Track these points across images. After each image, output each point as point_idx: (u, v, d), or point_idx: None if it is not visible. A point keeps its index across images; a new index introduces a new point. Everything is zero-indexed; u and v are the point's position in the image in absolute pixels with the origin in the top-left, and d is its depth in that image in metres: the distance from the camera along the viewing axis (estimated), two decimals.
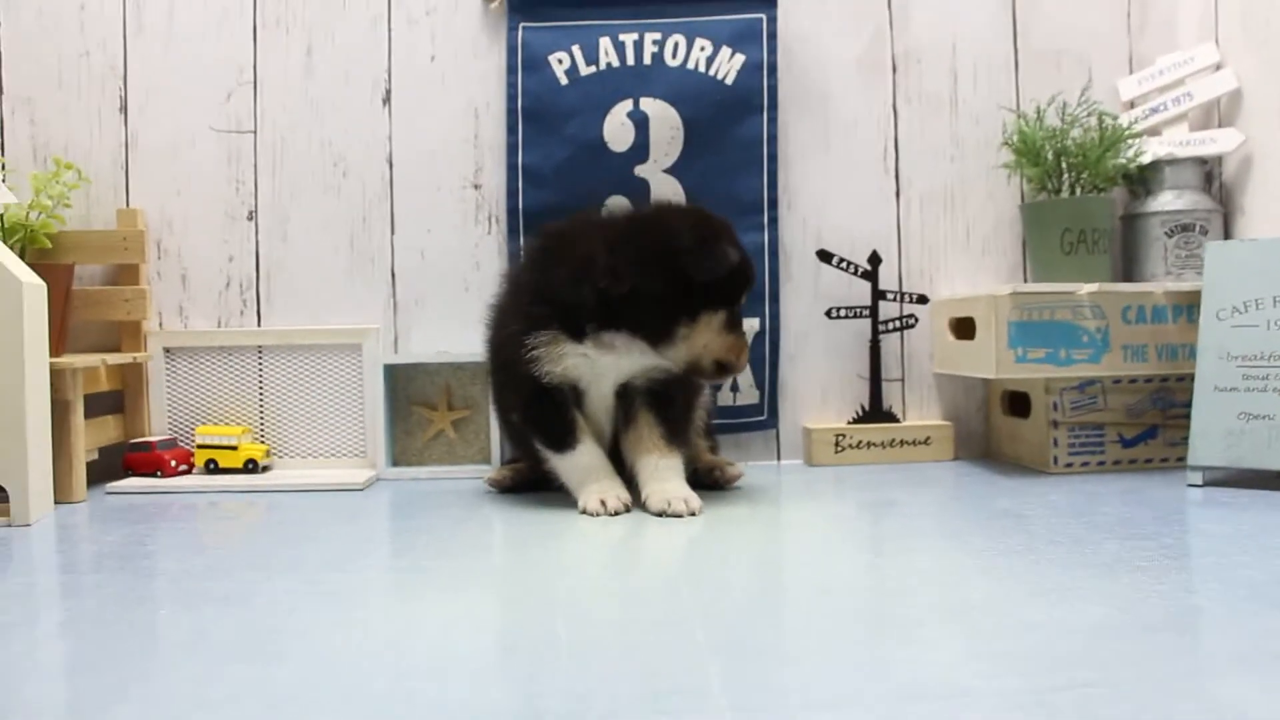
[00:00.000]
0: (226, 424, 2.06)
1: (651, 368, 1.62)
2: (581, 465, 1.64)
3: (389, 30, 2.09)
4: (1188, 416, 1.77)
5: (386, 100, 2.09)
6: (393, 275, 2.10)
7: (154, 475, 1.96)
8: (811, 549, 1.38)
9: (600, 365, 1.61)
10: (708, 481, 1.80)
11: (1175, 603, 1.05)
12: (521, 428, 1.72)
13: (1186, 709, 0.77)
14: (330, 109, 2.09)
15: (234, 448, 1.99)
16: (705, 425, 1.86)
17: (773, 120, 2.07)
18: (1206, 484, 1.72)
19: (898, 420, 2.09)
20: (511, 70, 2.08)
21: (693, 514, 1.56)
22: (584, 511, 1.59)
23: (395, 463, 2.06)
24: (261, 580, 1.22)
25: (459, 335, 2.09)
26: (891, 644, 0.94)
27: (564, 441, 1.64)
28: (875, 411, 2.08)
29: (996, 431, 2.09)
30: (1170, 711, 0.76)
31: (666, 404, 1.65)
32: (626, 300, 1.55)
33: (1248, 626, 0.97)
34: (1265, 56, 1.93)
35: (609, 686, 0.83)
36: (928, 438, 2.04)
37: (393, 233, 2.10)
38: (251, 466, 1.99)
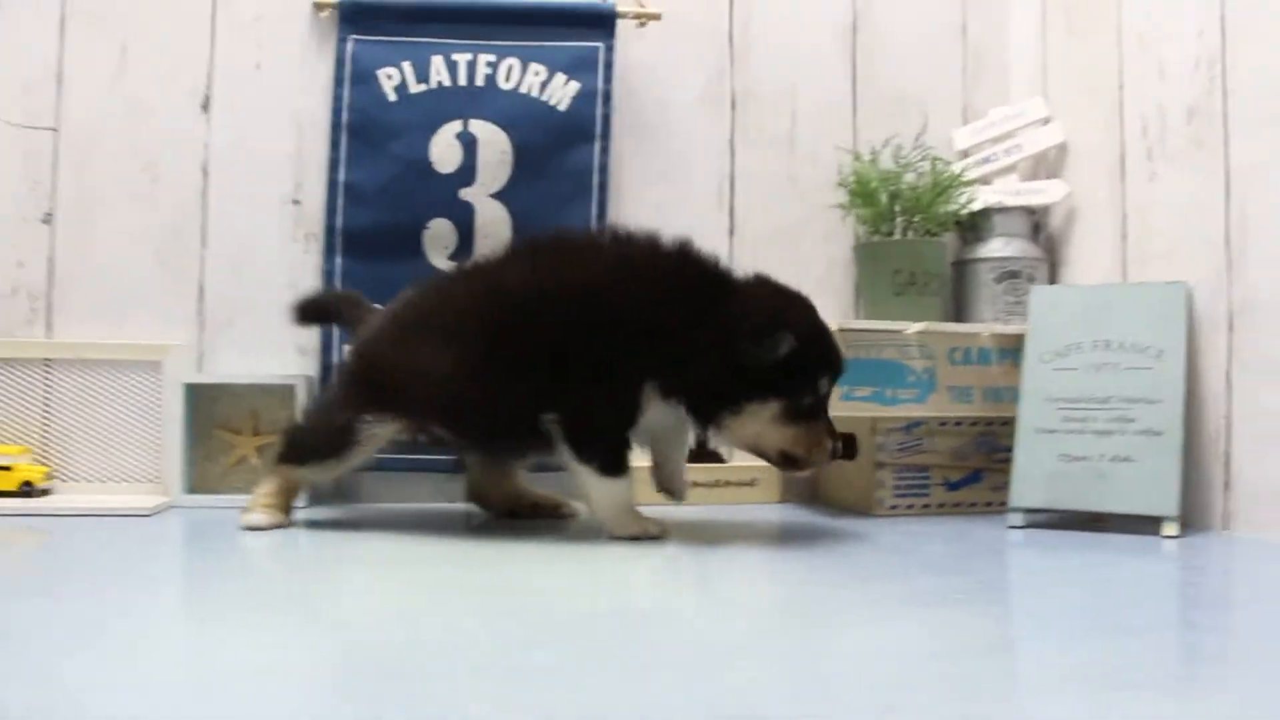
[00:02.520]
0: (3, 443, 1.91)
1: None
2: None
3: (212, 34, 1.99)
4: (1010, 461, 1.76)
5: (205, 107, 1.99)
6: (201, 290, 1.98)
7: None
8: (630, 581, 1.33)
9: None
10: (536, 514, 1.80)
11: (987, 632, 1.04)
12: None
13: None
14: (144, 111, 1.97)
15: (8, 469, 1.83)
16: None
17: (605, 150, 2.02)
18: (1028, 525, 1.72)
19: (723, 461, 2.04)
20: (338, 83, 2.00)
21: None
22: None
23: (192, 489, 1.93)
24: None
25: (271, 357, 1.98)
26: (703, 672, 0.88)
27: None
28: (701, 451, 2.02)
29: (824, 474, 2.05)
30: None
31: None
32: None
33: (1054, 654, 0.96)
34: (1089, 113, 1.96)
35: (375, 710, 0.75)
36: (754, 479, 1.99)
37: (204, 246, 1.98)
38: (27, 490, 1.83)
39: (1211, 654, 1.00)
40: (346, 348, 1.82)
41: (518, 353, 1.53)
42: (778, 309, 1.52)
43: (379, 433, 1.63)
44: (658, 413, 1.54)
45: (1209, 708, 0.80)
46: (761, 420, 1.50)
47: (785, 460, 1.54)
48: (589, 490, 1.57)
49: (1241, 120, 1.65)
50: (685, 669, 0.89)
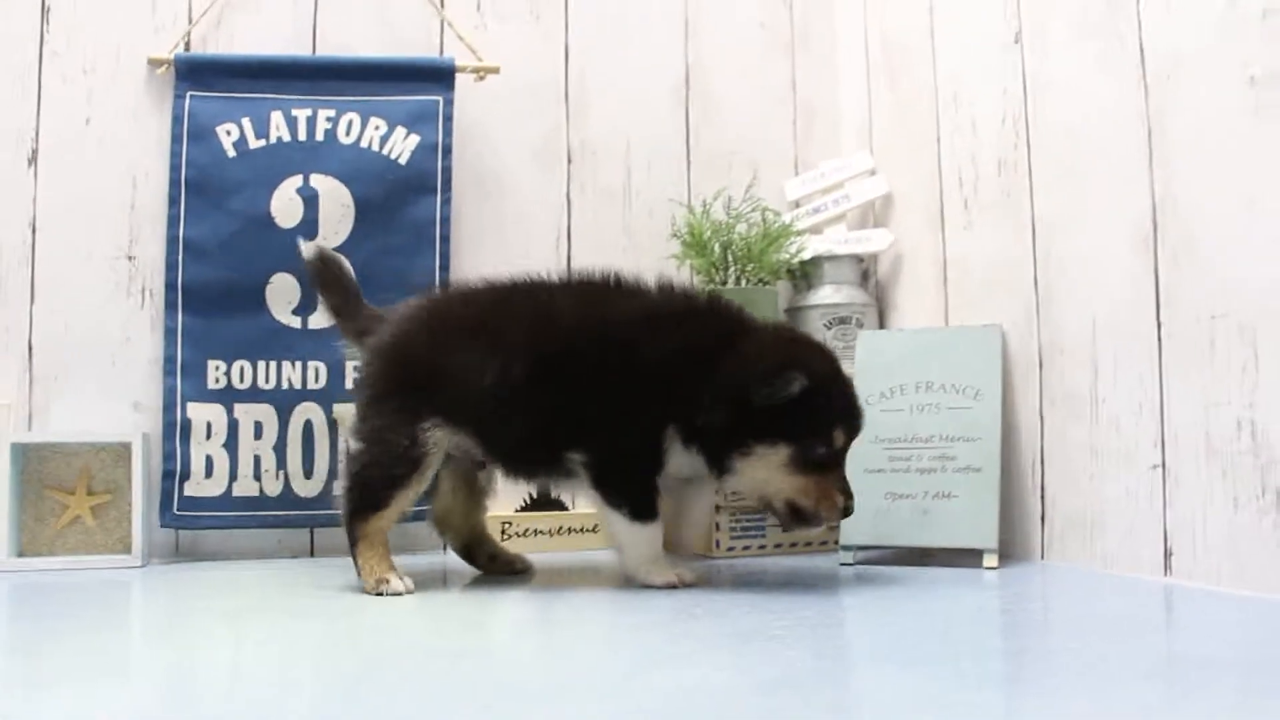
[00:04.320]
0: None
1: None
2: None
3: (39, 85, 1.96)
4: None
5: (32, 160, 1.95)
6: (30, 347, 1.93)
7: None
8: (450, 624, 1.34)
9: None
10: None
11: (797, 665, 1.05)
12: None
13: None
14: None
15: None
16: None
17: (447, 201, 2.05)
18: (859, 562, 1.77)
19: (566, 508, 2.06)
20: (176, 139, 1.99)
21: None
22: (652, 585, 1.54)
23: (21, 552, 1.87)
24: None
25: (104, 414, 1.94)
26: (524, 711, 0.90)
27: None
28: (543, 499, 2.04)
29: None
30: None
31: None
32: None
33: (856, 683, 1.00)
34: (911, 165, 2.06)
35: None
36: (595, 525, 2.01)
37: (33, 301, 1.94)
38: None
39: (1009, 677, 1.05)
40: (364, 353, 1.69)
41: (556, 384, 1.50)
42: (794, 351, 1.51)
43: (439, 436, 1.55)
44: (679, 460, 1.52)
45: None
46: (770, 465, 1.47)
47: (793, 513, 1.50)
48: (619, 536, 1.55)
49: (1044, 172, 1.75)
50: (509, 706, 0.91)
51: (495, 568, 1.76)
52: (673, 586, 1.53)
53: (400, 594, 1.50)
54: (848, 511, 1.50)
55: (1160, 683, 1.00)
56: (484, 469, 1.70)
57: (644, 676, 1.03)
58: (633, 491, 1.53)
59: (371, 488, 1.55)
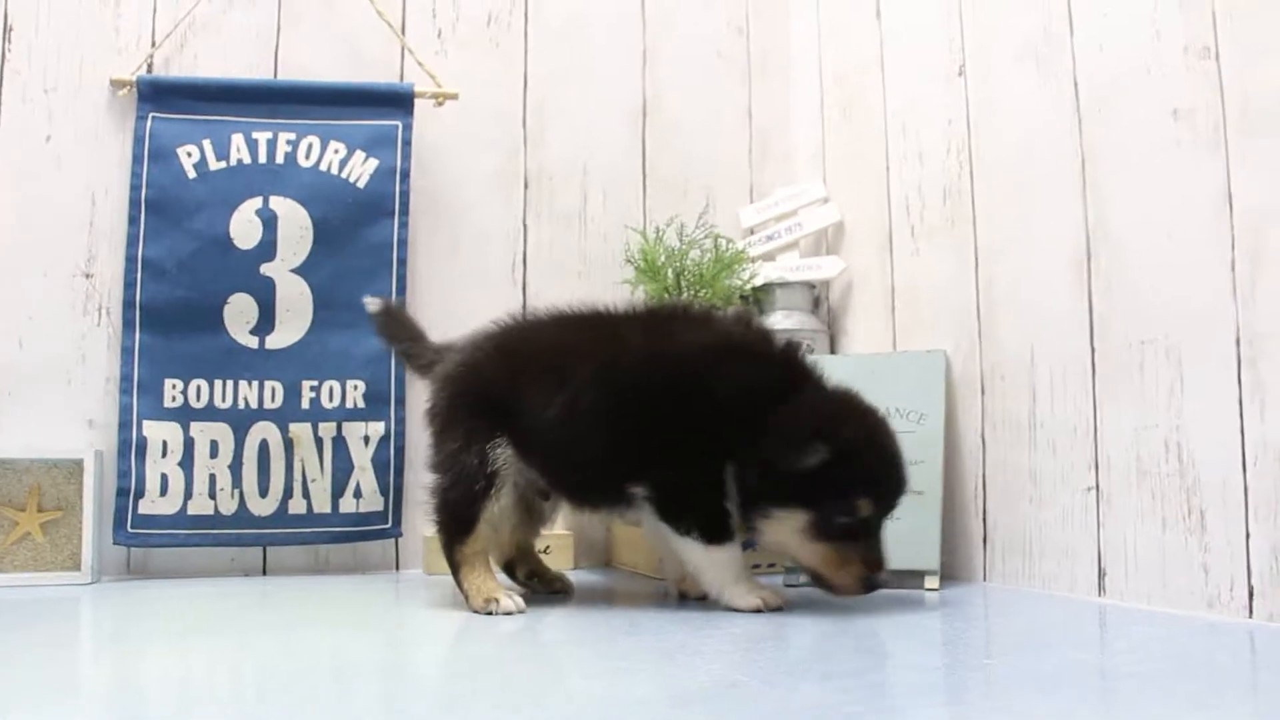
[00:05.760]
0: None
1: None
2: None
3: None
4: None
5: None
6: None
7: None
8: (392, 646, 1.36)
9: None
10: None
11: (717, 679, 1.08)
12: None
13: None
14: None
15: None
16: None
17: (404, 225, 2.07)
18: (803, 585, 1.77)
19: None
20: (137, 159, 2.00)
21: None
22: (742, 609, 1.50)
23: None
24: None
25: (57, 431, 1.94)
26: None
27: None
28: None
29: (616, 540, 2.10)
30: None
31: None
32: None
33: (771, 696, 1.01)
34: (861, 193, 2.10)
35: None
36: (547, 547, 2.02)
37: None
38: None
39: (932, 688, 1.08)
40: (433, 383, 1.72)
41: (617, 418, 1.50)
42: (826, 418, 1.47)
43: (510, 454, 1.56)
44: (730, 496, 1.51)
45: None
46: (787, 530, 1.46)
47: (816, 579, 1.49)
48: (696, 563, 1.53)
49: (986, 201, 1.79)
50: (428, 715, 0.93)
51: (535, 585, 1.75)
52: (758, 610, 1.49)
53: (510, 613, 1.50)
54: (872, 584, 1.46)
55: (1089, 694, 1.02)
56: (549, 499, 1.69)
57: (575, 689, 1.06)
58: (701, 515, 1.50)
59: (457, 510, 1.57)
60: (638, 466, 1.52)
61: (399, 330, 1.86)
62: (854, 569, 1.44)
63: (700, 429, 1.48)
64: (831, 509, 1.43)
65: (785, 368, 1.55)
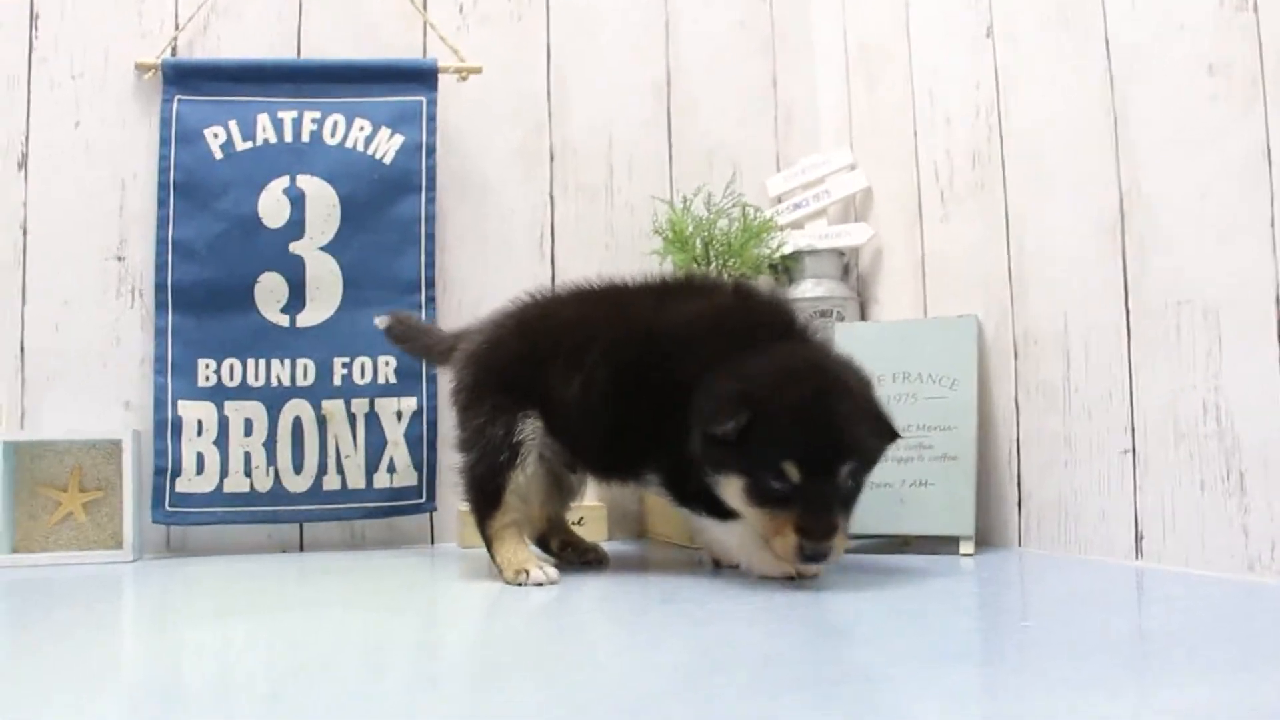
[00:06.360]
0: None
1: None
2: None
3: (28, 92, 1.99)
4: None
5: (22, 164, 1.99)
6: (22, 349, 1.97)
7: None
8: (428, 620, 1.37)
9: None
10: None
11: (754, 646, 1.09)
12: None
13: None
14: None
15: None
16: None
17: (431, 200, 2.07)
18: None
19: None
20: (165, 142, 2.02)
21: None
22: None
23: (15, 549, 1.90)
24: None
25: (96, 413, 1.97)
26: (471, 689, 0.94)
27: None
28: None
29: (650, 511, 2.11)
30: None
31: None
32: None
33: (809, 661, 1.01)
34: (889, 160, 2.08)
35: None
36: (581, 519, 2.03)
37: (24, 304, 1.97)
38: None
39: (979, 653, 1.08)
40: (454, 364, 1.73)
41: (623, 396, 1.50)
42: (757, 381, 1.40)
43: (536, 425, 1.56)
44: None
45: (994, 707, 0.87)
46: (733, 493, 1.41)
47: (767, 544, 1.44)
48: (717, 539, 1.54)
49: (1016, 165, 1.77)
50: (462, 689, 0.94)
51: (569, 556, 1.75)
52: (789, 578, 1.46)
53: (542, 584, 1.50)
54: (806, 553, 1.36)
55: (1127, 657, 1.02)
56: (575, 473, 1.71)
57: (601, 658, 1.06)
58: (707, 495, 1.46)
59: (484, 484, 1.58)
60: (644, 446, 1.52)
61: (413, 333, 1.92)
62: (789, 537, 1.36)
63: (686, 405, 1.44)
64: (761, 473, 1.37)
65: (769, 336, 1.50)
